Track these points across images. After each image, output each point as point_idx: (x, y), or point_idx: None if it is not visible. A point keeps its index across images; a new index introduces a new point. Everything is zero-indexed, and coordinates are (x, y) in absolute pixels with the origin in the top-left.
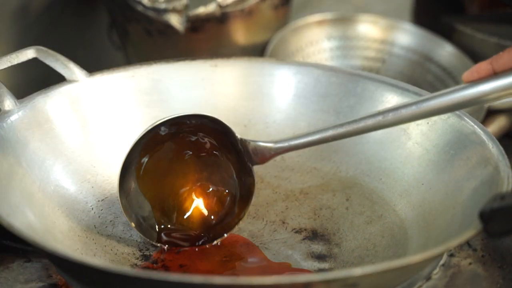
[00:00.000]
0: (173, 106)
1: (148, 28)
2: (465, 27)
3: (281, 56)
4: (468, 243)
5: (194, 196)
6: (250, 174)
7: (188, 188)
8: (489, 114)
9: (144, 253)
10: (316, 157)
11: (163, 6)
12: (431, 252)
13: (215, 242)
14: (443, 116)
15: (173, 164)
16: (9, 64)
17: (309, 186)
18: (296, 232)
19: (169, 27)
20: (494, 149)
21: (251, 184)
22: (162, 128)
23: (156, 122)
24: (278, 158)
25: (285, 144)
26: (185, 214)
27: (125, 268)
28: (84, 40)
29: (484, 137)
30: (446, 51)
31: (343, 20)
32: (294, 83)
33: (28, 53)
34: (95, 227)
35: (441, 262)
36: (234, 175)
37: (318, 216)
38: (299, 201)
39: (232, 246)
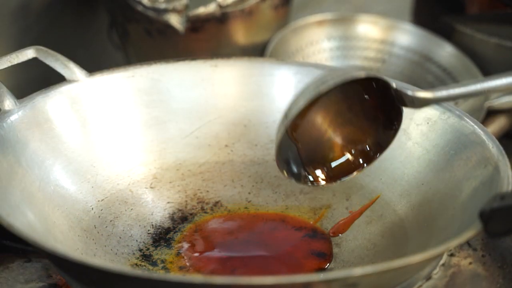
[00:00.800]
0: (173, 106)
1: (148, 28)
2: (465, 27)
3: (281, 56)
4: (468, 243)
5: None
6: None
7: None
8: (489, 114)
9: (144, 253)
10: None
11: (163, 6)
12: (431, 252)
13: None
14: (443, 116)
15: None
16: (9, 64)
17: (309, 186)
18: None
19: (169, 27)
20: (494, 149)
21: (392, 135)
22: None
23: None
24: None
25: (444, 93)
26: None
27: (125, 268)
28: (84, 40)
29: (484, 137)
30: (446, 51)
31: (343, 20)
32: (294, 83)
33: (28, 53)
34: (95, 227)
35: (441, 261)
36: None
37: (318, 216)
38: (299, 201)
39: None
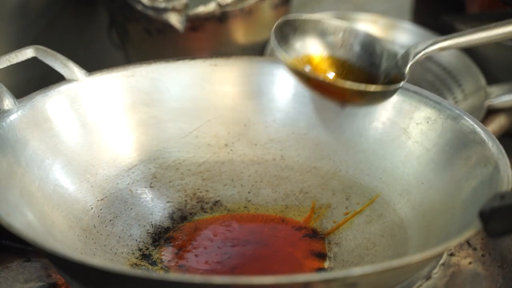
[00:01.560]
0: (172, 105)
1: (148, 28)
2: (465, 27)
3: None
4: (468, 242)
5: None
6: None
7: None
8: (489, 113)
9: (144, 253)
10: (315, 157)
11: (162, 5)
12: (431, 251)
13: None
14: (443, 115)
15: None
16: (8, 63)
17: (309, 185)
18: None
19: (168, 26)
20: (494, 148)
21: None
22: None
23: None
24: (278, 157)
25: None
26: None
27: (125, 268)
28: (83, 39)
29: (484, 136)
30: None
31: (343, 19)
32: (294, 83)
33: (28, 53)
34: (94, 227)
35: (441, 261)
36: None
37: (318, 215)
38: (298, 200)
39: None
